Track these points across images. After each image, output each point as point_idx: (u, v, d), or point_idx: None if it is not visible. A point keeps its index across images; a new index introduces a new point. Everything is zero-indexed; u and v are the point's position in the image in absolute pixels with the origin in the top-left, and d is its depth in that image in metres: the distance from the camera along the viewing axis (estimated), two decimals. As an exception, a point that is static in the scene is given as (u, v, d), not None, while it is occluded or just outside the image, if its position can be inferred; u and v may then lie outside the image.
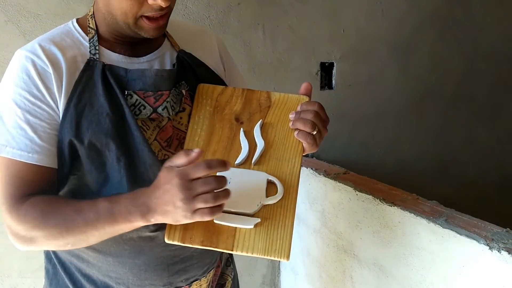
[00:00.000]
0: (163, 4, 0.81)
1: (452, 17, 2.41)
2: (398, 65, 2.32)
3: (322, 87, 2.16)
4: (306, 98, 0.96)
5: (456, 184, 2.57)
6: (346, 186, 1.59)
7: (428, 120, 2.49)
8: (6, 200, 0.85)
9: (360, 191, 1.52)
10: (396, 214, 1.37)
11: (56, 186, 0.89)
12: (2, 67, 1.55)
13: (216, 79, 1.02)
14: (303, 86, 0.97)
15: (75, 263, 0.98)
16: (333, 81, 2.18)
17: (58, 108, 0.86)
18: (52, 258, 1.01)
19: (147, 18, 0.84)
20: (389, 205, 1.39)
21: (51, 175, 0.87)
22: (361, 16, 2.17)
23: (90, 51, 0.90)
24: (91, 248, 0.94)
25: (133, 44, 0.94)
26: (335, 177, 1.68)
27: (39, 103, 0.85)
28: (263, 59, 2.01)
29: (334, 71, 2.17)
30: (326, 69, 2.16)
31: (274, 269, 2.17)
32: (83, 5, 1.62)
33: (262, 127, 0.95)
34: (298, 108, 0.93)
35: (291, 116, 0.93)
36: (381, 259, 1.46)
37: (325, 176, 1.70)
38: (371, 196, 1.47)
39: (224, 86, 1.00)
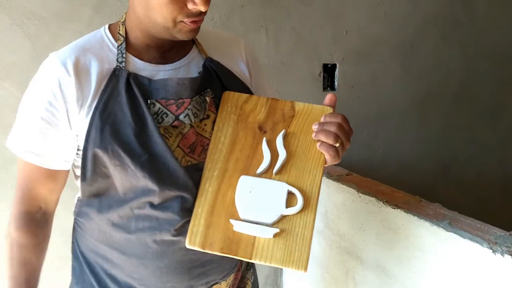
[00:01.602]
0: (203, 9, 0.84)
1: (455, 19, 2.42)
2: (400, 66, 2.32)
3: (324, 88, 2.17)
4: (330, 109, 0.96)
5: (458, 184, 2.58)
6: (349, 188, 1.60)
7: (430, 121, 2.50)
8: (16, 201, 0.99)
9: (363, 193, 1.53)
10: (399, 216, 1.38)
11: (63, 185, 1.01)
12: (8, 70, 1.56)
13: (242, 87, 1.03)
14: (328, 97, 0.97)
15: (100, 263, 1.01)
16: (336, 82, 2.18)
17: (73, 121, 0.90)
18: (79, 257, 1.05)
19: (188, 22, 0.86)
20: (392, 208, 1.40)
21: (60, 176, 0.98)
22: (364, 18, 2.18)
23: (117, 59, 0.92)
24: (116, 249, 0.98)
25: (163, 50, 0.96)
26: (338, 178, 1.69)
27: (56, 115, 0.90)
28: (266, 61, 2.02)
29: (336, 73, 2.18)
30: (328, 71, 2.17)
31: (277, 270, 2.19)
32: (89, 8, 1.63)
33: (285, 137, 0.95)
34: (322, 119, 0.93)
35: (314, 127, 0.93)
36: (384, 261, 1.47)
37: (328, 178, 1.71)
38: (374, 198, 1.48)
39: (249, 95, 1.00)
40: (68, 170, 1.00)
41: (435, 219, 1.28)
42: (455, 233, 1.19)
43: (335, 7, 2.10)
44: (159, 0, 0.83)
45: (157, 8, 0.84)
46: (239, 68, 1.07)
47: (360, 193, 1.54)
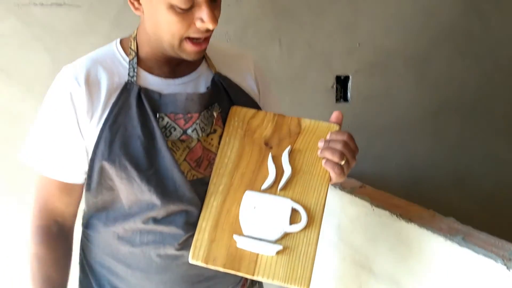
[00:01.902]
0: (211, 27, 0.85)
1: (470, 31, 2.41)
2: (414, 79, 2.32)
3: (337, 100, 2.18)
4: (336, 127, 0.96)
5: (472, 197, 2.55)
6: (362, 200, 1.59)
7: (445, 133, 2.48)
8: (34, 214, 1.00)
9: (377, 206, 1.53)
10: (413, 230, 1.37)
11: (80, 198, 1.01)
12: (28, 83, 1.60)
13: (250, 102, 1.05)
14: (334, 115, 0.98)
15: (106, 275, 1.03)
16: (349, 94, 2.19)
17: (84, 133, 0.91)
18: (86, 269, 1.06)
19: (191, 41, 0.88)
20: (406, 222, 1.40)
21: (75, 189, 0.99)
22: (377, 30, 2.18)
23: (128, 73, 0.94)
24: (121, 262, 0.99)
25: (172, 65, 0.98)
26: (352, 191, 1.69)
27: (67, 127, 0.91)
28: (280, 72, 2.03)
29: (349, 84, 2.18)
30: (341, 82, 2.18)
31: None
32: (107, 22, 1.67)
33: (290, 153, 0.95)
34: (328, 137, 0.93)
35: (320, 144, 0.93)
36: (398, 275, 1.47)
37: (341, 190, 1.71)
38: (388, 211, 1.48)
39: (256, 110, 1.01)
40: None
41: (448, 233, 1.27)
42: (468, 248, 1.18)
43: (349, 20, 2.12)
44: (167, 18, 0.85)
45: (165, 26, 0.86)
46: (248, 84, 1.08)
47: (373, 206, 1.54)
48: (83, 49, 1.65)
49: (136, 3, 0.90)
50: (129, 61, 0.95)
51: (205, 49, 0.92)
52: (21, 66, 1.60)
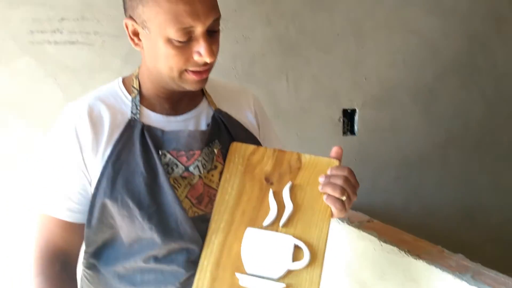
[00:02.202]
0: (208, 60, 0.86)
1: (474, 64, 2.44)
2: (420, 112, 2.34)
3: (344, 133, 2.20)
4: (336, 162, 0.96)
5: (481, 230, 2.53)
6: (370, 235, 1.59)
7: (452, 166, 2.48)
8: (35, 251, 0.95)
9: (385, 241, 1.52)
10: (421, 267, 1.36)
11: (82, 239, 0.97)
12: (40, 119, 1.63)
13: (250, 138, 1.05)
14: (334, 150, 0.98)
15: None
16: (355, 127, 2.21)
17: (89, 169, 0.91)
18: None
19: (192, 71, 0.89)
20: (414, 258, 1.38)
21: (78, 229, 0.96)
22: (383, 65, 2.22)
23: (131, 111, 0.95)
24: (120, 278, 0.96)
25: (173, 102, 0.99)
26: (359, 225, 1.68)
27: (72, 163, 0.91)
28: (287, 106, 2.06)
29: (356, 118, 2.20)
30: (348, 116, 2.20)
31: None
32: (118, 59, 1.72)
33: (291, 189, 0.95)
34: (328, 172, 0.93)
35: (321, 179, 0.93)
36: (407, 313, 1.45)
37: (349, 224, 1.70)
38: (396, 247, 1.46)
39: (256, 146, 1.01)
40: None
41: (457, 271, 1.26)
42: (478, 287, 1.17)
43: (354, 55, 2.16)
44: (165, 52, 0.85)
45: (164, 59, 0.87)
46: (247, 119, 1.09)
47: (381, 242, 1.53)
48: (95, 85, 1.69)
49: (136, 39, 0.91)
50: (132, 99, 0.96)
51: (206, 79, 0.93)
52: (34, 102, 1.64)
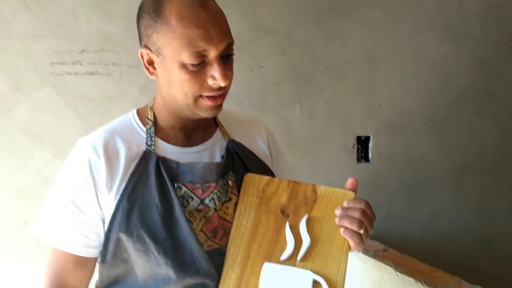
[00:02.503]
0: (223, 84, 0.86)
1: (488, 91, 2.44)
2: (434, 138, 2.33)
3: (358, 160, 2.20)
4: (352, 194, 0.96)
5: (500, 259, 2.48)
6: (386, 265, 1.57)
7: (468, 193, 2.45)
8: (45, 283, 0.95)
9: (401, 272, 1.50)
10: (439, 299, 1.34)
11: (92, 273, 0.97)
12: (58, 147, 1.67)
13: (264, 168, 1.05)
14: (349, 182, 0.97)
15: None
16: (370, 154, 2.21)
17: (103, 205, 0.90)
18: None
19: (206, 97, 0.89)
20: (431, 290, 1.37)
21: (90, 263, 0.95)
22: (397, 92, 2.23)
23: (146, 142, 0.95)
24: None
25: (187, 132, 0.99)
26: (375, 255, 1.67)
27: (86, 198, 0.90)
28: (301, 134, 2.08)
29: (370, 145, 2.21)
30: (362, 143, 2.20)
31: None
32: (136, 89, 1.75)
33: (307, 222, 0.94)
34: (345, 204, 0.92)
35: (337, 212, 0.93)
36: None
37: (364, 254, 1.69)
38: (412, 278, 1.45)
39: (270, 177, 1.01)
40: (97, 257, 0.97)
41: (476, 304, 1.24)
42: (498, 321, 1.15)
43: (368, 82, 2.17)
44: (180, 77, 0.86)
45: (178, 85, 0.87)
46: (260, 149, 1.09)
47: (397, 272, 1.51)
48: (113, 114, 1.72)
49: (151, 68, 0.92)
50: (147, 130, 0.96)
51: (221, 106, 0.92)
52: (53, 132, 1.67)
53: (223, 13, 0.91)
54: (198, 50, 0.84)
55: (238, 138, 1.05)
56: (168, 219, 0.89)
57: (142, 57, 0.92)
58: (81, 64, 1.69)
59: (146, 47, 0.90)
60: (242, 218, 0.95)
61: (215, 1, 0.92)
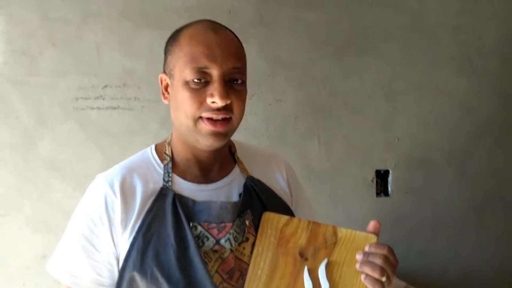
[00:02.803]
0: (220, 103, 0.85)
1: (509, 124, 2.40)
2: (455, 172, 2.30)
3: (378, 194, 2.17)
4: (374, 238, 0.92)
5: (526, 297, 2.39)
6: (408, 304, 1.53)
7: (489, 227, 2.39)
8: None
9: (424, 312, 1.46)
10: None
11: None
12: (79, 180, 1.69)
13: (283, 207, 1.02)
14: (371, 225, 0.93)
15: None
16: (389, 188, 2.18)
17: (118, 244, 0.89)
18: None
19: (206, 119, 0.87)
20: (456, 332, 1.33)
21: None
22: (415, 125, 2.22)
23: (163, 178, 0.93)
24: None
25: (204, 168, 0.97)
26: (396, 293, 1.63)
27: (100, 235, 0.89)
28: (319, 167, 2.07)
29: (389, 178, 2.18)
30: (381, 176, 2.18)
31: None
32: (156, 123, 1.78)
33: (327, 266, 0.91)
34: (367, 249, 0.89)
35: (358, 257, 0.89)
36: None
37: (385, 291, 1.65)
38: (435, 318, 1.41)
39: (289, 217, 0.97)
40: None
41: None
42: None
43: (386, 116, 2.17)
44: (182, 95, 0.86)
45: (181, 104, 0.87)
46: (280, 186, 1.06)
47: (420, 312, 1.47)
48: (133, 147, 1.78)
49: (166, 93, 0.93)
50: (164, 166, 0.95)
51: (222, 136, 0.90)
52: (75, 165, 1.70)
53: (235, 40, 0.92)
54: (199, 66, 0.85)
55: (256, 174, 1.02)
56: (183, 259, 0.87)
57: (161, 83, 0.94)
58: (103, 99, 1.73)
59: (164, 72, 0.93)
60: (259, 260, 0.92)
61: (229, 30, 0.93)
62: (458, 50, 2.30)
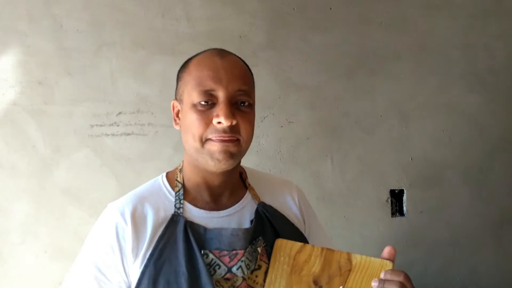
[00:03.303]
0: (225, 122, 0.86)
1: (524, 140, 2.39)
2: (471, 190, 2.27)
3: (393, 214, 2.15)
4: (390, 265, 0.90)
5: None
6: (428, 328, 1.50)
7: (508, 245, 2.35)
8: None
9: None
10: None
11: None
12: (94, 207, 1.71)
13: (295, 233, 1.01)
14: (386, 251, 0.92)
15: None
16: (404, 208, 2.16)
17: (129, 272, 0.89)
18: None
19: (213, 140, 0.88)
20: None
21: None
22: (429, 144, 2.20)
23: (175, 205, 0.94)
24: None
25: (215, 195, 0.97)
26: (415, 316, 1.60)
27: (111, 265, 0.89)
28: (332, 188, 2.06)
29: (404, 198, 2.16)
30: (396, 196, 2.17)
31: None
32: (170, 148, 1.80)
33: None
34: (382, 276, 0.87)
35: (374, 284, 0.87)
36: None
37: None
38: None
39: (302, 243, 0.95)
40: None
41: None
42: None
43: (399, 136, 2.16)
44: (190, 118, 0.88)
45: (188, 127, 0.89)
46: (292, 212, 1.05)
47: (441, 336, 1.44)
48: (147, 172, 1.79)
49: (177, 119, 0.95)
50: (176, 193, 0.95)
51: (231, 156, 0.89)
52: (90, 191, 1.72)
53: (241, 64, 0.95)
54: (206, 89, 0.88)
55: (268, 200, 1.02)
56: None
57: (173, 109, 0.97)
58: (118, 126, 1.76)
59: (176, 99, 0.96)
60: None
61: (237, 56, 0.96)
62: (469, 68, 2.29)
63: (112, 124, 1.75)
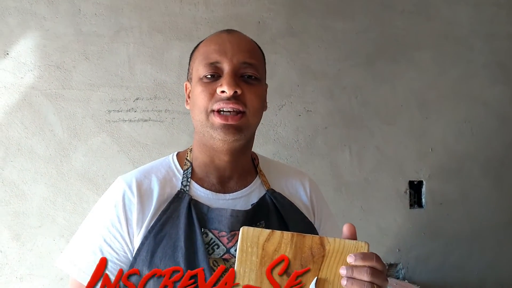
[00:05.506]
0: (227, 91, 0.86)
1: (548, 133, 2.33)
2: (491, 183, 2.23)
3: (411, 205, 2.12)
4: (365, 246, 0.83)
5: None
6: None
7: (530, 240, 2.31)
8: None
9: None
10: None
11: None
12: (112, 192, 1.71)
13: (303, 222, 0.99)
14: (345, 228, 0.84)
15: None
16: (423, 200, 2.13)
17: (132, 241, 0.90)
18: None
19: (217, 112, 0.88)
20: None
21: None
22: (450, 135, 2.16)
23: (182, 182, 0.94)
24: None
25: (223, 178, 0.97)
26: (433, 308, 1.58)
27: (116, 234, 0.90)
28: (350, 178, 2.03)
29: (423, 190, 2.13)
30: (415, 188, 2.13)
31: None
32: (186, 135, 1.79)
33: (317, 285, 0.82)
34: (352, 261, 0.80)
35: (342, 272, 0.80)
36: None
37: (422, 307, 1.60)
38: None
39: (270, 230, 0.86)
40: None
41: None
42: None
43: (419, 126, 2.12)
44: (196, 91, 0.90)
45: (195, 101, 0.90)
46: (302, 202, 1.04)
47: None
48: (164, 159, 1.78)
49: (188, 100, 0.96)
50: (184, 171, 0.96)
51: (236, 128, 0.89)
52: (107, 177, 1.72)
53: (249, 40, 0.95)
54: (211, 62, 0.90)
55: (278, 188, 1.01)
56: (190, 264, 0.87)
57: (186, 90, 0.98)
58: (135, 111, 1.75)
59: (188, 79, 0.97)
60: (242, 284, 0.83)
61: (245, 35, 0.96)
62: (492, 58, 2.24)
63: (129, 110, 1.74)
